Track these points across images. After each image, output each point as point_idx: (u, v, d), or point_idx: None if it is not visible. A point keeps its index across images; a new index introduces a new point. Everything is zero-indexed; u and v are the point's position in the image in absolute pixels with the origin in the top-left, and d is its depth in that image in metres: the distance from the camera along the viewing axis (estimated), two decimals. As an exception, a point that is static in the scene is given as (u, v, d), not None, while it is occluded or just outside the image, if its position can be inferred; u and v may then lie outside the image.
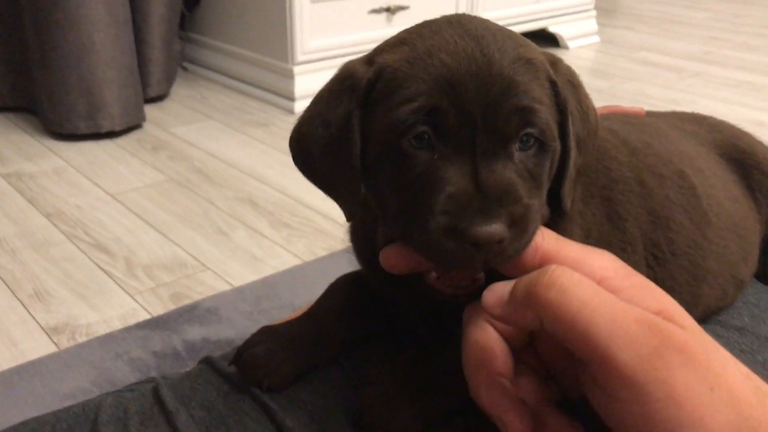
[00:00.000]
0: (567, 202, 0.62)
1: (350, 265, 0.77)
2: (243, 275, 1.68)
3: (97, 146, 2.42)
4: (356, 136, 0.58)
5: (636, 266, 0.70)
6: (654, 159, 0.75)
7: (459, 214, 0.50)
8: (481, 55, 0.55)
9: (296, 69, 2.69)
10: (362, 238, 0.71)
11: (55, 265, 1.73)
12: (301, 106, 2.70)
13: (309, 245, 1.80)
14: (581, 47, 3.69)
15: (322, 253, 1.76)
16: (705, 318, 0.78)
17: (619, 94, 2.96)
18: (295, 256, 1.76)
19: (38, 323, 1.51)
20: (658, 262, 0.72)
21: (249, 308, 1.55)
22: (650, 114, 0.90)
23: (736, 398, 0.42)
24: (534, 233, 0.52)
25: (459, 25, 0.58)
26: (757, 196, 0.84)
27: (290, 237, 1.85)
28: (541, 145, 0.56)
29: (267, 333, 0.70)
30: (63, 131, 2.44)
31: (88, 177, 2.19)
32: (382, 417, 0.61)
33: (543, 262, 0.51)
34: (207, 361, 0.73)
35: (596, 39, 3.79)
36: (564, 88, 0.59)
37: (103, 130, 2.44)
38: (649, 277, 0.71)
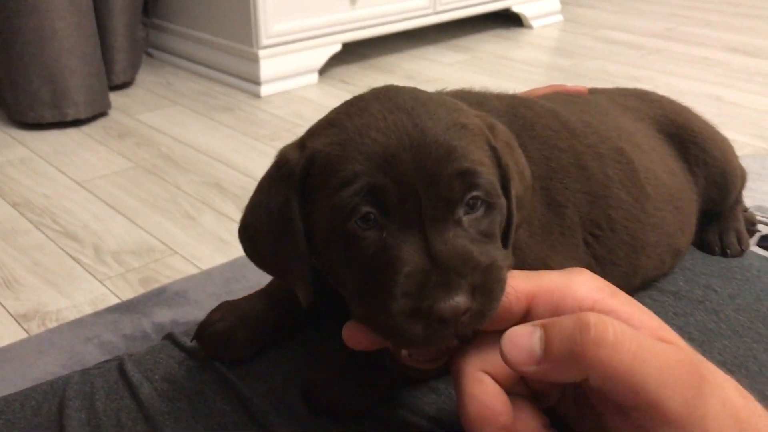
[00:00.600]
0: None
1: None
2: (211, 258, 1.71)
3: (63, 134, 2.42)
4: (298, 222, 0.57)
5: (575, 248, 0.74)
6: (594, 138, 0.78)
7: (419, 294, 0.49)
8: (413, 126, 0.54)
9: (261, 53, 2.69)
10: None
11: (24, 253, 1.73)
12: (266, 90, 2.70)
13: (276, 227, 1.82)
14: (545, 26, 3.72)
15: (289, 234, 1.78)
16: (643, 286, 0.82)
17: (581, 72, 3.01)
18: (263, 238, 1.79)
19: (7, 311, 1.53)
20: (597, 240, 0.75)
21: (217, 290, 1.57)
22: (593, 91, 0.94)
23: (733, 406, 0.44)
24: (502, 291, 0.50)
25: (387, 99, 0.57)
26: (694, 170, 0.88)
27: (258, 220, 1.86)
28: (489, 205, 0.55)
29: (228, 309, 0.73)
30: (27, 120, 2.43)
31: (54, 165, 2.19)
32: (328, 399, 0.64)
33: (528, 304, 0.50)
34: (169, 337, 0.76)
35: (560, 18, 3.83)
36: (504, 152, 0.59)
37: (69, 119, 2.44)
38: (588, 254, 0.75)
